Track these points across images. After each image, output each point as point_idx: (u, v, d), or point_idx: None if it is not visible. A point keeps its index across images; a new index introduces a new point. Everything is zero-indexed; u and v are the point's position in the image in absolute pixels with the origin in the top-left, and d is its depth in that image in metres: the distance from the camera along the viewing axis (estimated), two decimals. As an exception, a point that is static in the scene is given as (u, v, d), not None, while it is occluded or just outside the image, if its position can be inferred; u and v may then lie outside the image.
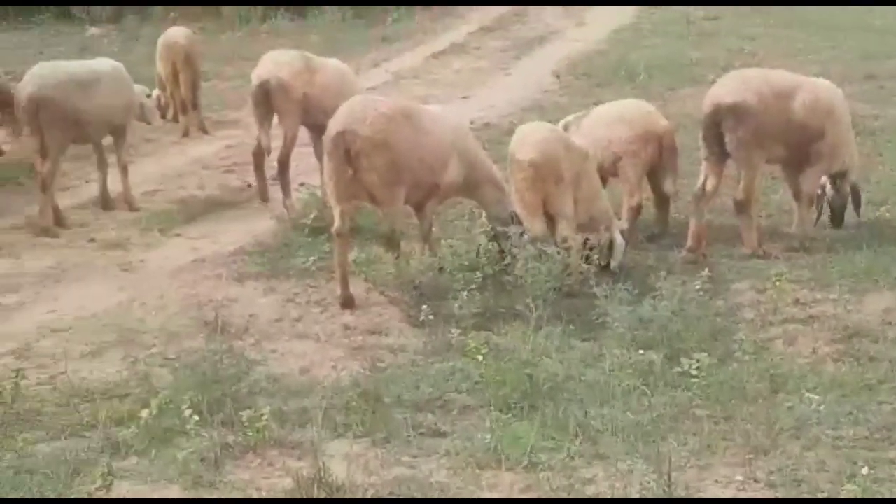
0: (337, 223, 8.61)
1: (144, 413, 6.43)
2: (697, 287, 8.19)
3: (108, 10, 21.77)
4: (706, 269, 8.56)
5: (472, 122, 12.94)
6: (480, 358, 7.11)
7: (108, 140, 11.45)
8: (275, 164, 11.30)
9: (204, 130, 14.51)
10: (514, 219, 9.15)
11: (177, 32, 14.63)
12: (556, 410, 6.72)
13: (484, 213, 9.50)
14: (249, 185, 12.07)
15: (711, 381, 7.02)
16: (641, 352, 7.44)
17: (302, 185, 11.52)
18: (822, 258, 9.46)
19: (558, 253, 8.62)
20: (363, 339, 8.21)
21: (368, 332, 8.31)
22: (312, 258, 9.57)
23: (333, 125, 8.52)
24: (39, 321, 8.63)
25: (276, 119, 11.34)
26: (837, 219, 10.17)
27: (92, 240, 10.55)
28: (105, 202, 11.44)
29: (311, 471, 5.95)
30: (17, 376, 6.98)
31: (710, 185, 9.63)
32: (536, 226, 8.91)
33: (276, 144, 11.29)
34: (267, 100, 11.14)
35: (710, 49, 18.14)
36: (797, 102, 9.51)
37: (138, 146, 13.19)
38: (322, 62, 11.52)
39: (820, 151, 9.65)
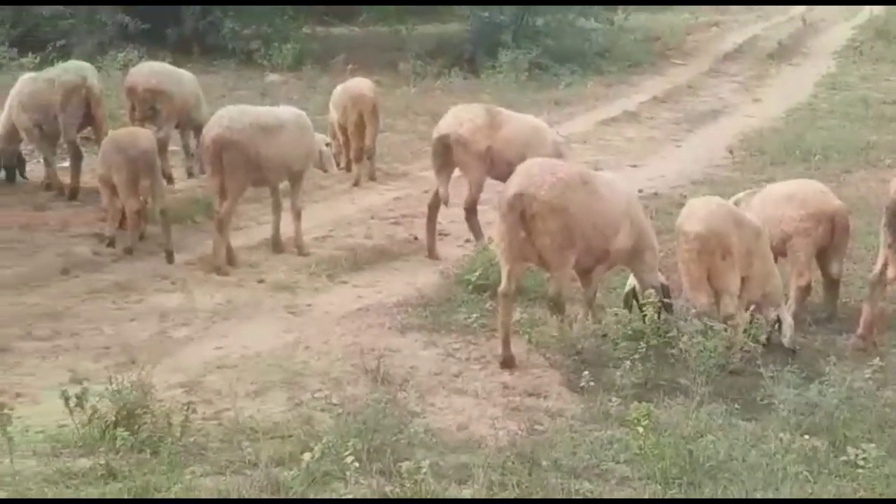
0: (504, 283, 8.64)
1: (307, 456, 6.51)
2: (867, 375, 7.93)
3: (289, 58, 22.37)
4: (877, 358, 8.35)
5: (640, 191, 12.87)
6: (641, 429, 7.01)
7: (283, 184, 11.70)
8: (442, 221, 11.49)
9: (373, 179, 14.73)
10: (665, 290, 9.13)
11: (362, 84, 14.68)
12: (716, 489, 6.61)
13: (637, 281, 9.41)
14: (416, 238, 12.22)
15: (878, 473, 6.80)
16: (806, 437, 7.28)
17: (467, 241, 11.63)
18: None
19: (725, 329, 8.51)
20: (521, 399, 8.19)
21: (527, 394, 8.30)
22: (475, 315, 9.61)
23: (510, 187, 8.58)
24: (207, 357, 8.86)
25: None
26: None
27: (261, 280, 10.76)
28: (276, 245, 11.61)
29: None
30: (187, 410, 7.14)
31: (891, 274, 9.33)
32: (701, 299, 8.81)
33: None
34: (446, 152, 11.33)
35: (888, 133, 17.71)
36: None
37: (311, 192, 13.44)
38: (509, 116, 11.61)
39: None
